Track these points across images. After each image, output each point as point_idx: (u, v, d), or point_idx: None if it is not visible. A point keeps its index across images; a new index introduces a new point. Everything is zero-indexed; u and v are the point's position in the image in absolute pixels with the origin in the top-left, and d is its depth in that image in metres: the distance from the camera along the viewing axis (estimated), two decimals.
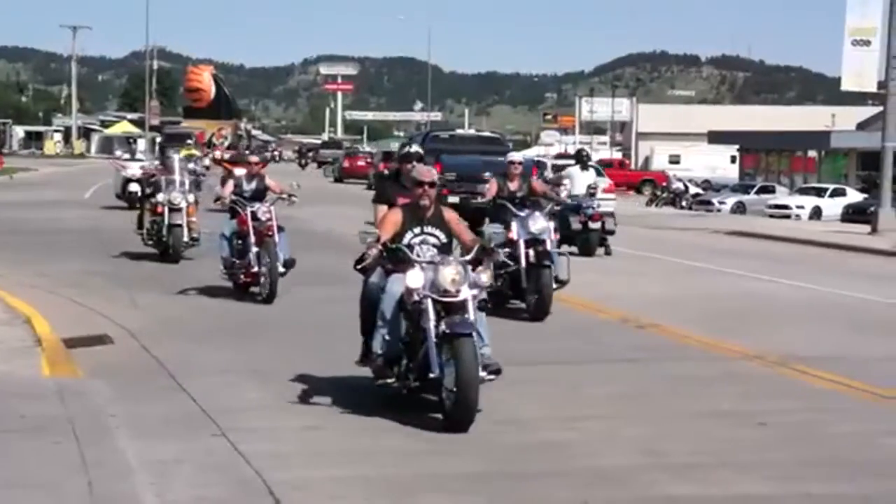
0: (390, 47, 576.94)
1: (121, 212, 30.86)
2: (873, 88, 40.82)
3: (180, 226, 20.09)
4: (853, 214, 47.43)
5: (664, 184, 60.38)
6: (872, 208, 37.06)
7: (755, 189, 59.17)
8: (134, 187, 31.11)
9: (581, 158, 25.21)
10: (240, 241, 15.97)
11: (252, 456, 7.85)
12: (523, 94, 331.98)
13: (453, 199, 27.78)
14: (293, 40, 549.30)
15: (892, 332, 14.53)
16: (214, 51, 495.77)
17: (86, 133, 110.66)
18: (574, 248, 22.32)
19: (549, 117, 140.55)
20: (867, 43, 38.83)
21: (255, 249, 15.65)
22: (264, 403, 9.63)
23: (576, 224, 23.11)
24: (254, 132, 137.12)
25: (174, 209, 20.12)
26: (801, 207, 52.70)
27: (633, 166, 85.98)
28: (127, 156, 35.72)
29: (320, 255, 21.30)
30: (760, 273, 21.34)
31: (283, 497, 6.98)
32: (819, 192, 55.37)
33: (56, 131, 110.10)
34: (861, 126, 66.30)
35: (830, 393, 10.62)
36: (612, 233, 23.84)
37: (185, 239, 20.16)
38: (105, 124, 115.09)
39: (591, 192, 23.58)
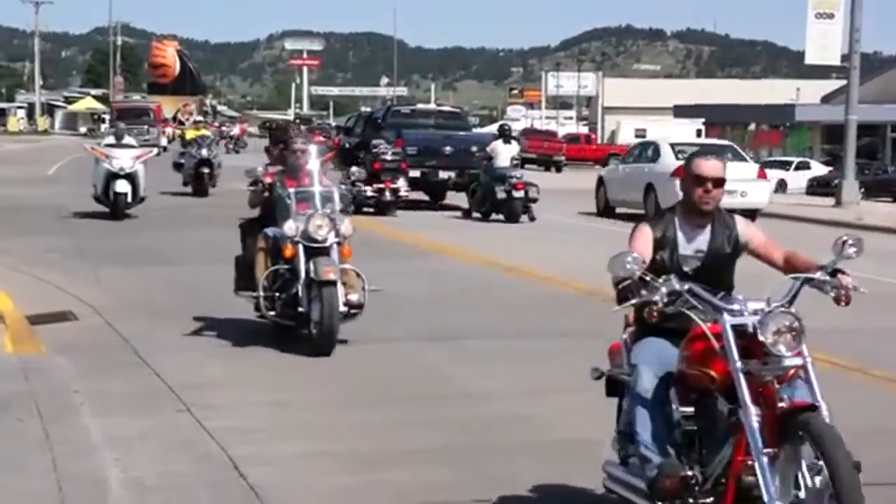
0: (355, 22, 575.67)
1: (86, 192, 30.37)
2: (837, 61, 41.05)
3: (333, 284, 10.44)
4: (818, 187, 47.78)
5: None
6: (836, 181, 37.29)
7: None
8: (122, 187, 23.09)
9: (504, 133, 27.29)
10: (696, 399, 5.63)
11: (217, 431, 7.84)
12: (489, 69, 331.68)
13: (414, 174, 28.05)
14: (258, 16, 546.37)
15: (853, 304, 14.54)
16: (179, 26, 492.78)
17: (49, 109, 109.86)
18: (501, 216, 25.31)
19: (515, 92, 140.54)
20: (830, 16, 39.02)
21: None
22: (229, 379, 9.63)
23: (501, 193, 25.34)
24: (219, 108, 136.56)
25: (318, 250, 10.64)
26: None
27: (599, 141, 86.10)
28: (110, 139, 24.89)
29: None
30: None
31: (247, 472, 6.98)
32: (784, 166, 55.68)
33: (19, 108, 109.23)
34: (825, 99, 66.60)
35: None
36: (535, 200, 25.60)
37: (342, 307, 10.60)
38: (69, 100, 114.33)
39: (515, 163, 26.13)
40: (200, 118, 37.72)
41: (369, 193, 26.05)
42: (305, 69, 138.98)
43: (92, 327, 11.89)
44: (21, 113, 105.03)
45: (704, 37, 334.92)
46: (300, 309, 10.70)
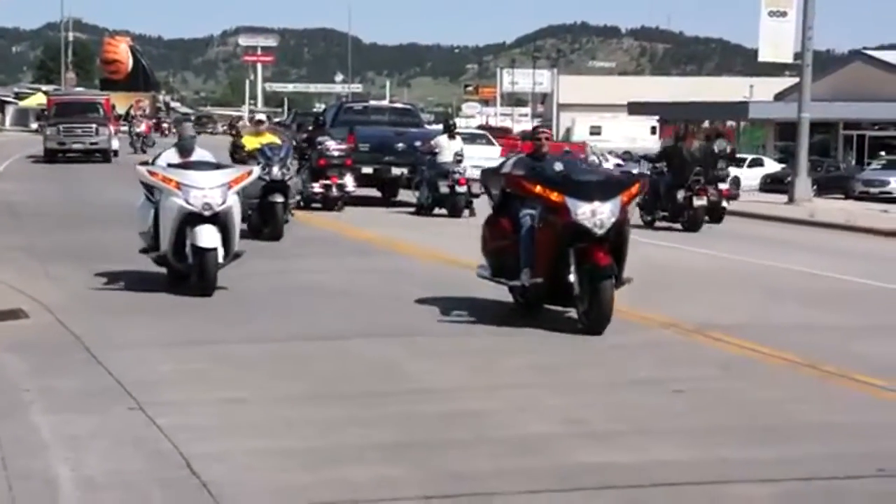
0: (310, 19, 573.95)
1: (37, 184, 29.93)
2: (790, 59, 41.32)
3: None
4: (771, 184, 48.18)
5: (583, 155, 60.74)
6: (789, 178, 37.57)
7: None
8: (209, 238, 13.55)
9: (449, 128, 27.99)
10: None
11: (169, 429, 7.78)
12: (444, 66, 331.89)
13: (367, 170, 28.21)
14: (211, 12, 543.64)
15: (806, 300, 14.74)
16: (131, 22, 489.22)
17: (0, 106, 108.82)
18: (444, 210, 26.03)
19: (470, 89, 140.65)
20: (783, 14, 39.27)
21: None
22: (182, 376, 9.56)
23: (444, 188, 26.12)
24: (173, 104, 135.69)
25: None
26: None
27: (554, 137, 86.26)
28: (170, 154, 14.63)
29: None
30: (678, 242, 21.53)
31: (200, 470, 6.93)
32: (738, 163, 55.99)
33: None
34: (778, 97, 67.05)
35: (745, 360, 10.74)
36: (477, 196, 25.89)
37: None
38: (20, 96, 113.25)
39: (458, 159, 26.51)
40: (263, 117, 23.88)
41: (316, 189, 26.15)
42: (259, 65, 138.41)
43: (43, 325, 11.78)
44: None
45: (659, 34, 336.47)
46: None
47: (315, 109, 42.29)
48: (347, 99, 73.06)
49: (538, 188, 12.05)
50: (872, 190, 47.13)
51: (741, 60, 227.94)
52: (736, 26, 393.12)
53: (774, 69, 68.63)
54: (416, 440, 7.74)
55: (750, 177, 53.15)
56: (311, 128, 33.20)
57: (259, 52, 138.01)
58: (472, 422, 8.27)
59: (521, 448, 7.59)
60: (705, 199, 24.50)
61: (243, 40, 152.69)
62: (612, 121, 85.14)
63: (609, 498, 6.67)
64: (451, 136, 27.18)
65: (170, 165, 14.08)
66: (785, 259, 18.91)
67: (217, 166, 14.32)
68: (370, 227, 22.72)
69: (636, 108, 73.50)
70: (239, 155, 20.62)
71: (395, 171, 29.15)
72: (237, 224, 13.99)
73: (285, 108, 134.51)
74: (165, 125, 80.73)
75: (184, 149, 14.46)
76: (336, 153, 26.65)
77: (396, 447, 7.56)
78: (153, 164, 14.36)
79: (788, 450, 7.72)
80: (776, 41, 39.69)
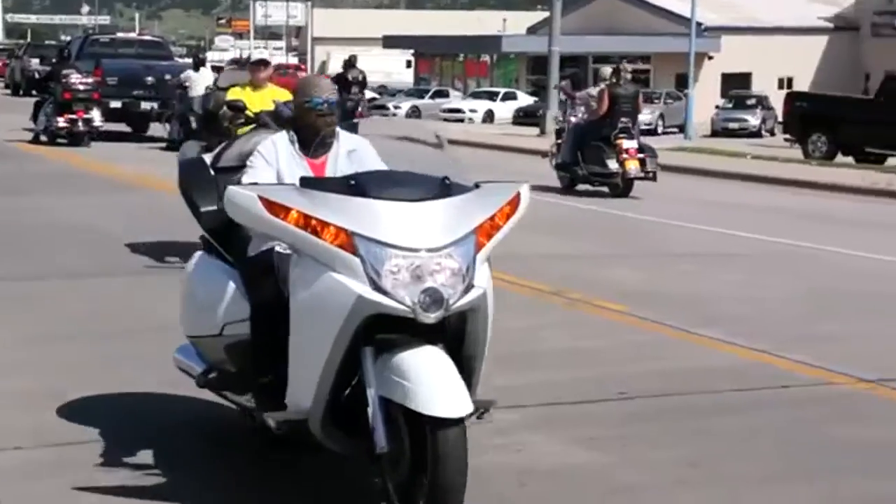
0: None
1: None
2: None
3: None
4: (524, 117, 49.03)
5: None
6: (541, 111, 38.27)
7: (430, 93, 60.13)
8: (441, 389, 4.98)
9: (197, 61, 27.60)
10: None
11: None
12: None
13: (115, 104, 27.55)
14: None
15: (552, 230, 15.00)
16: None
17: None
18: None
19: (222, 22, 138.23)
20: None
21: None
22: None
23: (195, 123, 23.25)
24: None
25: None
26: (474, 111, 54.08)
27: (308, 71, 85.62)
28: (284, 150, 5.93)
29: None
30: None
31: None
32: (491, 96, 56.85)
33: None
34: (531, 30, 68.14)
35: (500, 291, 10.81)
36: None
37: None
38: None
39: (209, 91, 25.37)
40: (268, 57, 15.66)
41: (61, 124, 25.45)
42: None
43: None
44: None
45: None
46: None
47: (50, 42, 40.81)
48: (94, 31, 70.91)
49: None
50: None
51: None
52: None
53: (527, 3, 69.67)
54: (164, 379, 7.53)
55: (503, 110, 54.03)
56: (55, 60, 32.17)
57: None
58: None
59: None
60: None
61: None
62: (366, 55, 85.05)
63: None
64: (196, 69, 26.73)
65: (304, 183, 5.40)
66: (535, 190, 19.21)
67: (445, 187, 5.65)
68: (119, 163, 22.12)
69: (391, 42, 73.60)
70: (233, 124, 11.00)
71: (145, 105, 28.58)
72: (488, 334, 5.78)
73: (28, 39, 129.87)
74: None
75: (319, 139, 6.05)
76: (82, 87, 25.95)
77: (142, 385, 7.36)
78: (227, 168, 6.59)
79: (536, 375, 7.83)
80: None
